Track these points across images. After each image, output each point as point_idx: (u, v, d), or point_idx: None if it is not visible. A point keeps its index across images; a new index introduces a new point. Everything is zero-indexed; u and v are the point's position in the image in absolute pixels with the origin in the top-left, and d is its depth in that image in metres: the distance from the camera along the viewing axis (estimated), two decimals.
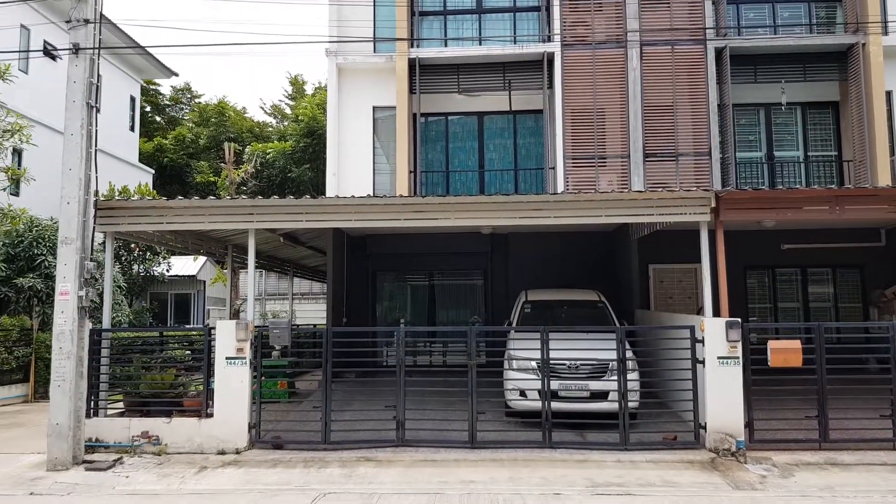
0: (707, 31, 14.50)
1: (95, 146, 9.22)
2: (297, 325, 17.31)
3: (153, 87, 38.78)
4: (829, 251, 14.78)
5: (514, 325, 11.65)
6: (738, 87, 14.95)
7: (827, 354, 8.98)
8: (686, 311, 14.45)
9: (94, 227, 9.20)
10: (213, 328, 9.62)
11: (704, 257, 9.43)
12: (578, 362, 9.73)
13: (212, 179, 33.98)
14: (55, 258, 12.06)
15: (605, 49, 14.70)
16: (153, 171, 28.15)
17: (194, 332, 13.64)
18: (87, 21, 9.14)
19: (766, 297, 15.45)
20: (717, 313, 9.34)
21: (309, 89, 40.37)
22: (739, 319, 9.01)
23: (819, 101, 15.46)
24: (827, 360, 8.96)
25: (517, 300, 12.56)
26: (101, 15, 9.48)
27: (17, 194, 16.84)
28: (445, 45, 15.55)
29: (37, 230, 15.85)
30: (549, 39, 14.94)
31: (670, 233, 11.28)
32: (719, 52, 14.57)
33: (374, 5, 15.61)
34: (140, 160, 27.08)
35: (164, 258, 22.74)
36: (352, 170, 15.49)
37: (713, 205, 9.35)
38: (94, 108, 9.15)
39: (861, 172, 14.26)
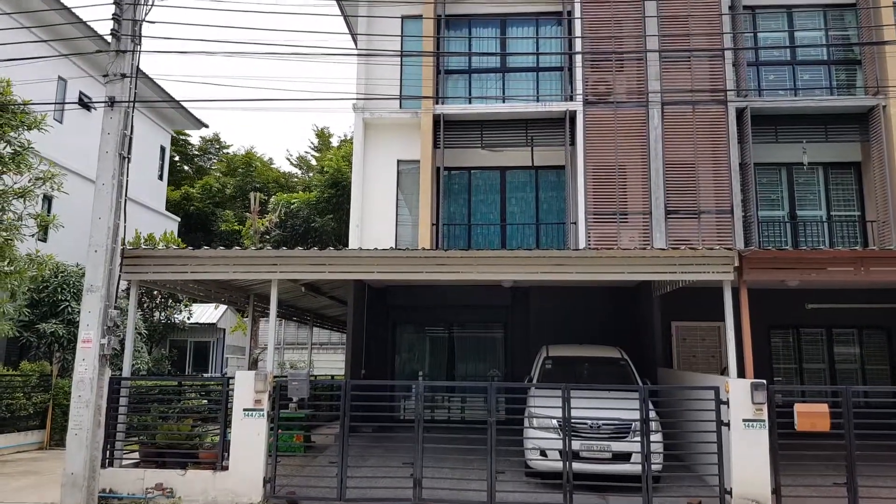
0: (728, 92, 14.63)
1: (126, 195, 9.41)
2: (315, 377, 17.24)
3: (183, 137, 39.73)
4: (855, 311, 14.53)
5: (534, 380, 11.50)
6: (760, 146, 14.98)
7: (855, 419, 8.75)
8: (709, 370, 14.20)
9: (119, 276, 9.32)
10: (232, 378, 9.61)
11: (728, 316, 9.32)
12: (601, 422, 9.54)
13: (236, 228, 34.43)
14: (79, 304, 12.18)
15: (626, 108, 14.87)
16: (179, 219, 28.59)
17: (212, 382, 13.64)
18: (123, 75, 9.45)
19: (791, 358, 15.15)
20: (741, 373, 9.17)
21: (335, 141, 41.14)
22: (765, 381, 8.84)
23: (841, 162, 15.43)
24: (855, 425, 8.72)
25: (538, 355, 12.44)
26: (138, 69, 9.79)
27: (44, 240, 17.16)
28: (470, 103, 15.82)
29: (62, 276, 16.11)
30: (572, 98, 15.15)
31: (693, 290, 11.18)
32: (740, 113, 14.66)
33: (402, 64, 15.98)
34: (167, 208, 27.55)
35: (186, 306, 22.91)
36: (375, 221, 15.63)
37: (736, 264, 9.28)
38: (126, 159, 9.38)
39: (885, 233, 14.11)
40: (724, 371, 12.53)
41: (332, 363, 29.42)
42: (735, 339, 9.26)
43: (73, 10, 17.13)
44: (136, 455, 10.08)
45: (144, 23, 9.66)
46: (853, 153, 15.38)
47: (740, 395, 8.77)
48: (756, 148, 14.76)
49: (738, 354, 9.21)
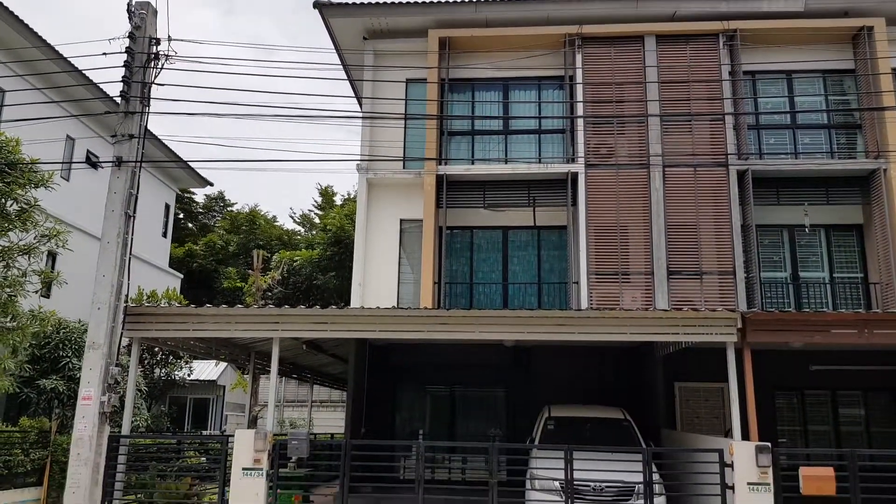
0: (729, 155, 14.87)
1: (130, 253, 9.52)
2: (315, 435, 17.02)
3: (188, 195, 40.22)
4: (859, 373, 14.40)
5: (536, 441, 11.36)
6: (762, 208, 15.11)
7: (861, 482, 8.62)
8: (713, 432, 14.00)
9: (122, 333, 9.35)
10: (231, 436, 9.53)
11: (732, 378, 9.28)
12: (603, 484, 9.40)
13: (238, 285, 34.50)
14: (80, 360, 12.18)
15: (628, 170, 15.10)
16: (182, 276, 28.70)
17: (212, 440, 13.49)
18: (131, 136, 9.68)
19: (796, 420, 14.94)
20: (745, 436, 9.09)
21: (338, 200, 41.59)
22: (770, 444, 8.75)
23: (843, 224, 15.52)
24: (862, 489, 8.58)
25: (540, 415, 12.32)
26: (146, 130, 10.03)
27: (47, 296, 17.22)
28: (472, 164, 16.07)
29: (64, 332, 16.11)
30: (573, 160, 15.39)
31: (696, 351, 11.16)
32: (741, 175, 14.87)
33: (405, 126, 16.31)
34: (170, 265, 27.70)
35: (187, 362, 22.81)
36: (377, 279, 15.69)
37: (739, 325, 9.30)
38: (131, 218, 9.53)
39: (888, 295, 14.13)
40: (727, 433, 12.38)
41: (331, 421, 29.04)
42: (739, 400, 9.21)
43: (84, 71, 17.62)
44: None
45: (153, 85, 9.94)
46: (855, 215, 15.50)
47: (745, 458, 8.67)
48: (758, 210, 14.91)
49: (742, 416, 9.14)
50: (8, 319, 12.75)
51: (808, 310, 13.59)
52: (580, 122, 15.33)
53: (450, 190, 15.57)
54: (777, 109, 16.24)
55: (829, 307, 14.72)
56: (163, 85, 10.08)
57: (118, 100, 9.95)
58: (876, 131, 15.00)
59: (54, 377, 15.53)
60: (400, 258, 15.97)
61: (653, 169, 14.93)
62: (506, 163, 15.92)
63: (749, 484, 8.61)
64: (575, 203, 15.24)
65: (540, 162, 15.83)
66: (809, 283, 15.28)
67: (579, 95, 15.55)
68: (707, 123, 15.20)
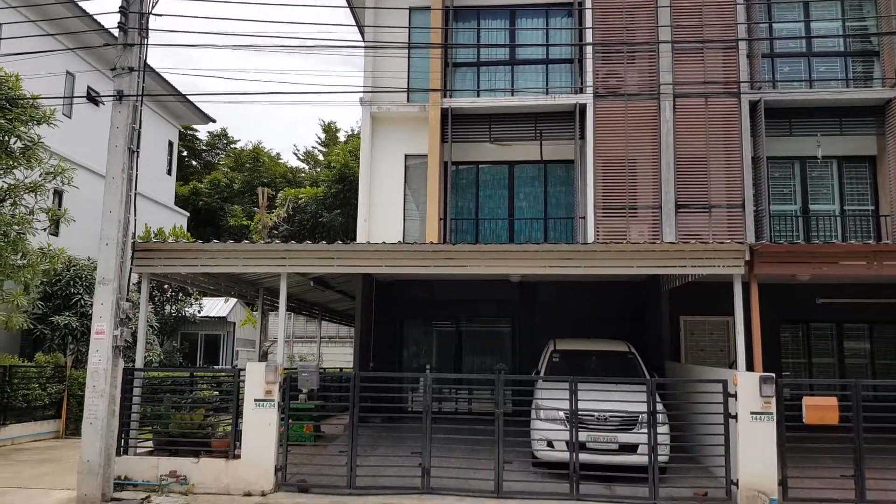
0: (741, 84, 14.52)
1: (135, 189, 9.48)
2: (325, 369, 17.32)
3: (191, 132, 39.92)
4: (866, 306, 14.46)
5: (541, 374, 11.52)
6: (773, 139, 14.87)
7: (864, 412, 8.74)
8: (718, 365, 14.17)
9: (130, 269, 9.39)
10: (243, 370, 9.69)
11: (738, 310, 9.30)
12: (607, 414, 9.57)
13: (244, 223, 34.58)
14: (91, 297, 12.31)
15: (637, 100, 14.81)
16: (188, 214, 28.73)
17: (224, 374, 13.75)
18: (131, 69, 9.47)
19: (801, 352, 15.10)
20: (750, 367, 9.16)
21: (342, 136, 41.24)
22: (774, 374, 8.83)
23: (856, 156, 15.29)
24: (864, 419, 8.71)
25: (545, 349, 12.46)
26: (145, 63, 9.83)
27: (56, 234, 17.30)
28: (478, 96, 15.79)
29: (74, 269, 16.26)
30: (582, 91, 15.10)
31: (702, 284, 11.16)
32: (754, 105, 14.57)
33: (409, 57, 15.96)
34: (175, 203, 27.68)
35: (196, 299, 23.07)
36: (382, 216, 15.66)
37: (747, 258, 9.26)
38: (135, 153, 9.43)
39: None
40: (732, 365, 12.52)
41: (340, 356, 29.53)
42: (744, 333, 9.25)
43: (80, 2, 17.18)
44: (150, 444, 10.21)
45: (151, 16, 9.68)
46: (868, 146, 15.22)
47: (749, 389, 8.77)
48: (769, 141, 14.66)
49: (748, 348, 9.20)
50: (18, 257, 12.87)
51: (817, 242, 13.50)
52: (589, 50, 14.94)
53: (455, 124, 15.35)
54: (792, 35, 15.77)
55: (839, 240, 14.64)
56: (160, 15, 9.82)
57: (116, 32, 9.72)
58: (894, 58, 14.58)
59: (67, 314, 15.76)
60: (405, 194, 15.90)
61: (663, 100, 14.64)
62: (512, 94, 15.63)
63: (752, 413, 8.73)
64: (583, 136, 15.03)
65: (547, 93, 15.52)
66: (819, 216, 15.16)
67: (588, 22, 15.10)
68: (720, 51, 14.78)
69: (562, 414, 9.43)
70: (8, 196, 13.34)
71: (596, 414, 9.55)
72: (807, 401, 8.71)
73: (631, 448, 9.47)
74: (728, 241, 10.68)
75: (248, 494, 9.07)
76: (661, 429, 9.14)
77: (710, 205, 14.37)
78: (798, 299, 14.23)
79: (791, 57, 15.53)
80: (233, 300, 26.19)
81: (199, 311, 23.80)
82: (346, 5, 17.00)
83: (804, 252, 9.50)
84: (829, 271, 9.46)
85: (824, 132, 14.91)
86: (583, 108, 14.93)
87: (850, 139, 15.13)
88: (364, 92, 15.72)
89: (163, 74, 22.76)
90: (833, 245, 9.46)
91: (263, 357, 20.32)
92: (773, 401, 8.72)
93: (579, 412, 9.18)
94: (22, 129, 13.01)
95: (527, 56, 16.12)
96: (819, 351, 15.07)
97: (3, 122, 12.49)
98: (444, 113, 15.22)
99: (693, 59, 14.85)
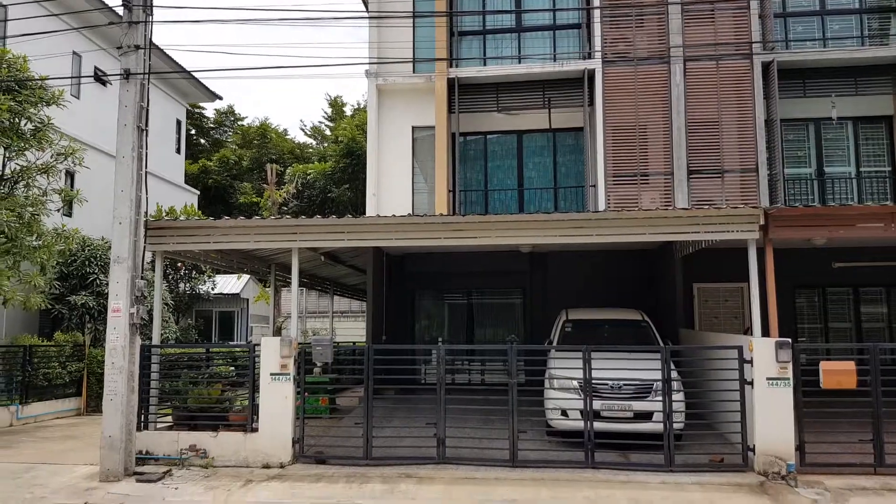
0: (753, 45, 14.24)
1: (146, 168, 9.48)
2: (338, 343, 17.44)
3: (198, 110, 39.82)
4: (882, 270, 14.32)
5: (554, 344, 11.53)
6: (787, 101, 14.59)
7: (882, 376, 8.69)
8: (732, 331, 14.13)
9: (144, 247, 9.44)
10: (258, 345, 9.77)
11: (753, 276, 9.22)
12: (621, 382, 9.58)
13: (254, 200, 34.61)
14: (107, 276, 12.43)
15: (647, 65, 14.57)
16: (198, 193, 28.79)
17: (239, 349, 13.88)
18: (137, 47, 9.43)
19: (817, 317, 15.02)
20: (766, 333, 9.12)
21: (348, 111, 41.02)
22: (790, 340, 8.78)
23: (871, 116, 15.02)
24: (882, 382, 8.67)
25: (557, 319, 12.45)
26: (151, 41, 9.78)
27: (69, 215, 17.39)
28: (485, 65, 15.59)
29: (89, 249, 16.38)
30: (590, 56, 14.88)
31: (715, 251, 11.08)
32: (766, 67, 14.29)
33: (414, 27, 15.74)
34: (185, 182, 27.72)
35: (210, 277, 23.20)
36: (391, 189, 15.59)
37: (762, 222, 9.16)
38: (144, 131, 9.43)
39: None
40: (747, 331, 12.48)
41: (353, 330, 29.74)
42: (760, 298, 9.18)
43: None
44: (169, 419, 10.38)
45: None
46: (885, 106, 14.90)
47: (764, 354, 8.73)
48: (782, 103, 14.39)
49: (763, 314, 9.15)
50: (33, 238, 12.95)
51: (833, 205, 13.33)
52: (597, 14, 14.68)
53: (462, 94, 15.20)
54: None
55: (855, 203, 14.45)
56: None
57: (121, 10, 9.67)
58: None
59: (84, 293, 15.91)
60: (413, 167, 15.82)
61: (673, 63, 14.39)
62: (519, 62, 15.41)
63: (768, 379, 8.70)
64: (592, 103, 14.84)
65: (555, 60, 15.29)
66: (835, 179, 14.97)
67: None
68: (730, 11, 14.46)
69: (575, 383, 9.44)
70: (21, 178, 13.41)
71: (610, 382, 9.56)
72: (824, 365, 8.66)
73: (646, 416, 9.48)
74: (742, 205, 10.55)
75: (267, 466, 9.20)
76: (675, 396, 9.14)
77: (722, 170, 14.20)
78: (813, 264, 14.10)
79: (804, 16, 15.17)
80: (245, 277, 26.31)
81: (212, 289, 23.95)
82: None
83: (820, 215, 9.39)
84: (846, 234, 9.35)
85: (839, 93, 14.63)
86: (591, 74, 14.72)
87: (865, 99, 14.84)
88: (370, 63, 15.57)
89: (168, 52, 22.66)
90: (849, 207, 9.35)
91: (277, 332, 20.45)
92: (790, 366, 8.68)
93: (593, 381, 9.18)
94: (32, 110, 13.02)
95: (533, 22, 15.85)
96: (835, 316, 14.98)
97: (13, 104, 12.50)
98: (451, 83, 15.06)
99: (703, 21, 14.56)
